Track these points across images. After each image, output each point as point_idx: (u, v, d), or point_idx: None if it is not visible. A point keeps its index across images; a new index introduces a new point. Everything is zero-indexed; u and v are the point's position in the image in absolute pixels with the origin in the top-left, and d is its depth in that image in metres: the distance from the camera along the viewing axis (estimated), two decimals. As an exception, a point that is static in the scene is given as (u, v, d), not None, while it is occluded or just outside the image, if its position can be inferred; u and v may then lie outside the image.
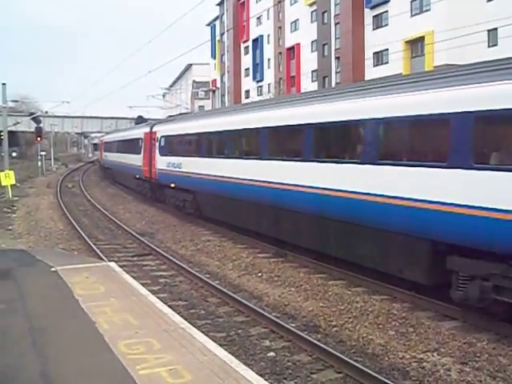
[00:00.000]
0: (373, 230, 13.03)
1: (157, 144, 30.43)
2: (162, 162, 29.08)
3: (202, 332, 9.11)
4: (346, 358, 9.18)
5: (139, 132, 36.71)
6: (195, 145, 25.00)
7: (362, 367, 8.81)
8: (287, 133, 16.96)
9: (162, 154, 29.39)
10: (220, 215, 22.82)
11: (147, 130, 33.71)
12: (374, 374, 8.57)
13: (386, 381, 8.30)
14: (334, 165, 14.40)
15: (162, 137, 29.96)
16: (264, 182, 17.56)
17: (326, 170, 14.64)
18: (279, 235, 17.87)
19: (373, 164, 12.98)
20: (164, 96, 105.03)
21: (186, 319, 9.81)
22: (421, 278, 12.10)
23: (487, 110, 10.13)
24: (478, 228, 10.20)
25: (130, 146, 39.11)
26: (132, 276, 13.23)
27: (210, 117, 24.72)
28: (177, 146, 27.59)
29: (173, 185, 27.11)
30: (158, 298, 11.28)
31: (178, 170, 26.49)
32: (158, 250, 18.85)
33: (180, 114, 39.30)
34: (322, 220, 15.00)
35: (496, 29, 38.65)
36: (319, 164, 14.97)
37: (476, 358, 9.42)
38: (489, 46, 39.62)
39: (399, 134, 12.87)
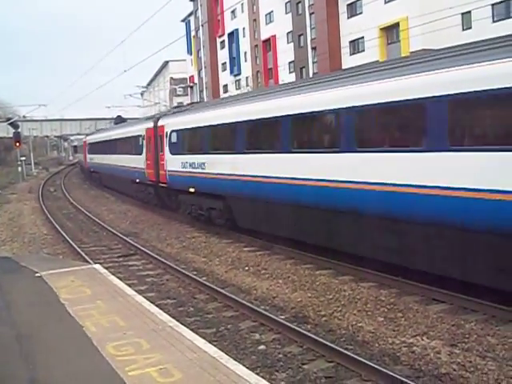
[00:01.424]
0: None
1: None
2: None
3: (191, 329, 9.06)
4: (337, 347, 9.18)
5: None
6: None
7: (352, 355, 8.82)
8: None
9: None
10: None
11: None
12: (365, 361, 8.58)
13: (378, 367, 8.31)
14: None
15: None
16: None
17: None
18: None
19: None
20: (142, 94, 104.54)
21: (174, 317, 9.77)
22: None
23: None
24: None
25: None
26: (118, 277, 13.15)
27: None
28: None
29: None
30: (146, 297, 11.22)
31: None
32: (143, 249, 18.76)
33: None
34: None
35: (469, 12, 38.81)
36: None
37: (465, 340, 9.47)
38: (463, 30, 39.81)
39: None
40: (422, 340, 9.57)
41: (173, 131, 24.26)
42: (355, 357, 8.73)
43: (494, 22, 37.48)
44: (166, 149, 24.83)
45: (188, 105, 30.88)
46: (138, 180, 30.53)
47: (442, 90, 10.75)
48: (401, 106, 11.90)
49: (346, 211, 13.50)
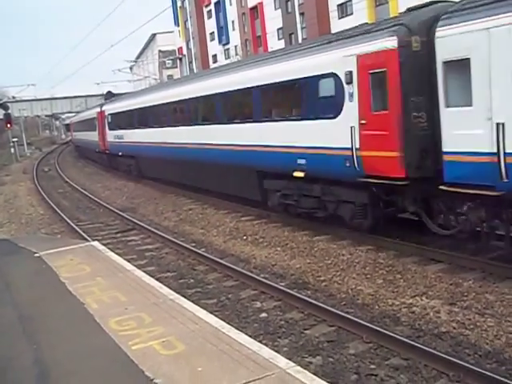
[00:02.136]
0: None
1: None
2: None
3: (192, 301, 9.11)
4: (338, 311, 9.28)
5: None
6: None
7: (353, 318, 8.92)
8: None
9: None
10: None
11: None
12: (366, 323, 8.68)
13: (379, 329, 8.41)
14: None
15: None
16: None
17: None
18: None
19: None
20: (131, 69, 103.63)
21: (175, 290, 9.82)
22: None
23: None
24: None
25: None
26: (117, 253, 13.18)
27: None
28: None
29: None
30: (145, 271, 11.26)
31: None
32: (141, 224, 18.78)
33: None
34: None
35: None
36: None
37: (464, 298, 9.56)
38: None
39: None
40: (422, 300, 9.66)
41: (109, 114, 35.04)
42: (356, 320, 8.83)
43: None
44: (106, 127, 35.68)
45: (121, 94, 42.90)
46: (96, 150, 41.25)
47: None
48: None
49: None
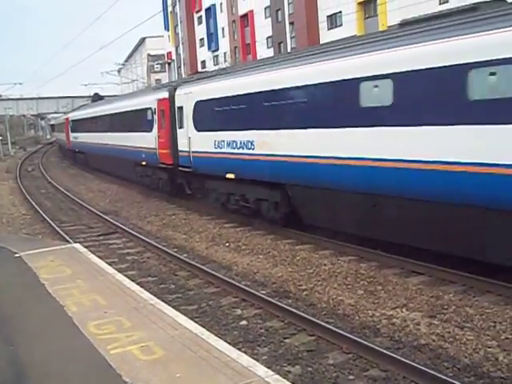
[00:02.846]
0: None
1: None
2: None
3: (173, 307, 9.08)
4: (318, 321, 9.27)
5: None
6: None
7: (333, 328, 8.91)
8: None
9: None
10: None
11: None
12: (345, 333, 8.67)
13: (358, 339, 8.41)
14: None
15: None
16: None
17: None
18: None
19: None
20: (119, 72, 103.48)
21: (155, 295, 9.80)
22: None
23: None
24: None
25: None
26: (98, 256, 13.11)
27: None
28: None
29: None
30: (126, 275, 11.22)
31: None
32: (123, 227, 18.70)
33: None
34: None
35: (447, -15, 38.72)
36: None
37: (444, 311, 9.60)
38: (440, 3, 39.64)
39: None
40: (402, 312, 9.69)
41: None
42: (336, 330, 8.82)
43: (470, -6, 37.44)
44: (70, 130, 31.32)
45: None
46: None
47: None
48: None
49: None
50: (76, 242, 15.02)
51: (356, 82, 12.31)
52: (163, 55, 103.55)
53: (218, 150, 18.39)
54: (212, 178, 19.33)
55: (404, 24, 13.10)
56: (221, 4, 78.24)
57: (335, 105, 13.19)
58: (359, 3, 47.30)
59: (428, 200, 10.96)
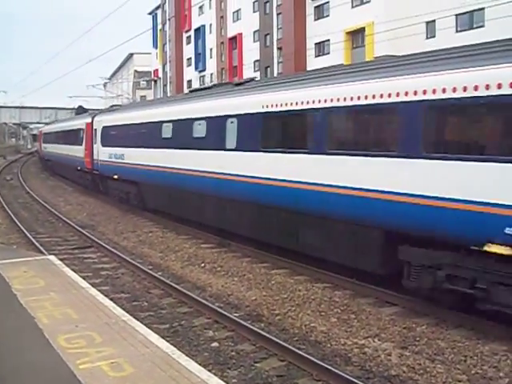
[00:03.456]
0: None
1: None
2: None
3: (145, 324, 9.03)
4: (289, 346, 9.24)
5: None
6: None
7: (304, 354, 8.88)
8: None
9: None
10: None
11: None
12: (316, 360, 8.65)
13: (329, 367, 8.39)
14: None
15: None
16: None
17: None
18: None
19: None
20: (105, 86, 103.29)
21: (128, 311, 9.72)
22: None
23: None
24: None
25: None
26: (73, 269, 13.01)
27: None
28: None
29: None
30: (100, 290, 11.13)
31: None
32: (99, 242, 18.56)
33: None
34: None
35: (434, 21, 39.35)
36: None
37: (415, 342, 9.63)
38: (427, 38, 40.32)
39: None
40: (374, 342, 9.70)
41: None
42: (307, 356, 8.80)
43: (457, 31, 38.05)
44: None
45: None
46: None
47: None
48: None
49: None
50: (51, 254, 14.89)
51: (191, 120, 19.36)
52: (150, 72, 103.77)
53: (110, 159, 27.89)
54: (110, 178, 28.43)
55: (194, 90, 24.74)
56: (210, 25, 78.78)
57: (175, 135, 20.84)
58: (347, 33, 47.85)
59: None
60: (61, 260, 13.68)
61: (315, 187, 12.95)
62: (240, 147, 16.15)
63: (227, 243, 17.73)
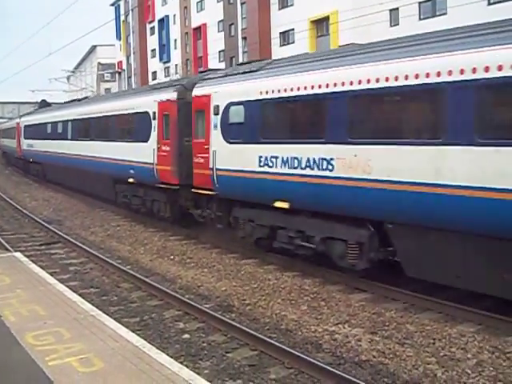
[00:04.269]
0: None
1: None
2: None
3: (114, 318, 8.98)
4: (260, 335, 9.26)
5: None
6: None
7: (276, 343, 8.92)
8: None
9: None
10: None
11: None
12: (288, 349, 8.69)
13: (300, 355, 8.43)
14: None
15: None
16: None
17: None
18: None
19: None
20: (68, 79, 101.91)
21: (97, 306, 9.66)
22: None
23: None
24: None
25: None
26: (40, 266, 12.87)
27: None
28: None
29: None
30: (68, 286, 11.03)
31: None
32: (66, 237, 18.36)
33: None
34: None
35: (397, 8, 39.57)
36: None
37: (385, 327, 9.73)
38: (391, 26, 40.52)
39: None
40: (344, 328, 9.77)
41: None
42: (278, 345, 8.83)
43: (420, 19, 38.29)
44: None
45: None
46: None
47: None
48: None
49: None
50: (17, 251, 14.70)
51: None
52: (114, 64, 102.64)
53: (27, 148, 39.46)
54: (29, 161, 39.98)
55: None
56: (174, 16, 78.15)
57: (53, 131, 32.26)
58: (312, 21, 47.87)
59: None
60: (27, 257, 13.51)
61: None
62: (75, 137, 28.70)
63: (196, 235, 17.63)
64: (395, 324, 9.86)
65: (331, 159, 11.79)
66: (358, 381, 7.50)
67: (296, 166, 12.74)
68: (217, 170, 15.46)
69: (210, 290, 12.38)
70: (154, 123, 19.00)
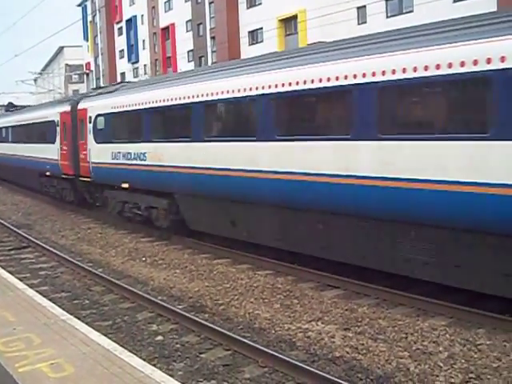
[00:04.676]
0: None
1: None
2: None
3: (86, 323, 8.89)
4: (234, 335, 9.24)
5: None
6: None
7: (249, 342, 8.90)
8: None
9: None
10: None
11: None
12: (261, 347, 8.68)
13: (274, 353, 8.43)
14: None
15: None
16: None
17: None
18: None
19: None
20: (36, 81, 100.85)
21: (68, 311, 9.54)
22: None
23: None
24: None
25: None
26: (9, 271, 12.70)
27: None
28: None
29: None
30: (38, 291, 10.89)
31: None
32: (36, 241, 18.12)
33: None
34: None
35: (365, 6, 39.81)
36: None
37: (358, 323, 9.77)
38: (358, 24, 40.75)
39: None
40: (317, 325, 9.79)
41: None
42: (252, 344, 8.81)
43: (387, 17, 38.58)
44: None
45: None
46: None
47: None
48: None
49: None
50: (-15, 257, 14.46)
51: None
52: (82, 65, 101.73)
53: None
54: None
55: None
56: (142, 16, 77.69)
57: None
58: (280, 20, 47.98)
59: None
60: (-4, 262, 13.30)
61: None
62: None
63: (168, 236, 17.58)
64: (368, 320, 9.91)
65: (145, 153, 17.43)
66: (332, 377, 7.53)
67: (130, 158, 18.35)
68: (91, 163, 21.21)
69: (183, 290, 12.32)
70: (58, 129, 24.79)
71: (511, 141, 8.52)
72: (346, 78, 10.80)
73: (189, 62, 63.65)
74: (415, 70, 9.65)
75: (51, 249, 16.87)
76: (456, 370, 7.79)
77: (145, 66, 76.45)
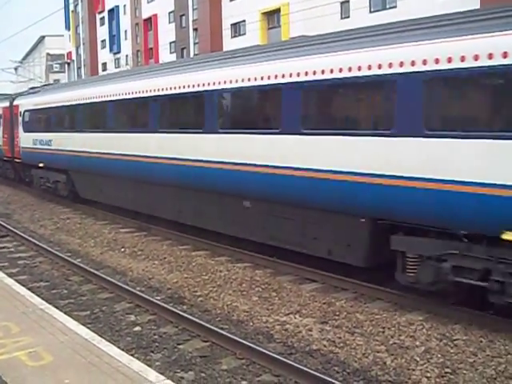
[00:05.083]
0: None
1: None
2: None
3: (64, 312, 8.86)
4: (212, 327, 9.27)
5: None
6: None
7: (227, 334, 8.94)
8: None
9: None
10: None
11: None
12: (239, 339, 8.73)
13: (252, 345, 8.49)
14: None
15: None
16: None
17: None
18: None
19: None
20: (16, 70, 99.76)
21: (47, 300, 9.53)
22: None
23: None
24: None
25: None
26: (-14, 260, 12.60)
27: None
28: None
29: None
30: (17, 280, 10.86)
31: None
32: (15, 230, 17.99)
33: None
34: None
35: (348, 1, 39.87)
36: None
37: (335, 317, 9.86)
38: (342, 18, 40.79)
39: None
40: (295, 318, 9.87)
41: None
42: (230, 336, 8.86)
43: (371, 12, 38.64)
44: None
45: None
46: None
47: None
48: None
49: None
50: (-38, 245, 14.35)
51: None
52: (63, 55, 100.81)
53: None
54: None
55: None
56: (124, 6, 77.10)
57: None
58: (263, 13, 47.91)
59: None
60: (-27, 251, 13.20)
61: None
62: None
63: (147, 227, 17.58)
64: (345, 313, 10.00)
65: (51, 140, 23.60)
66: (309, 370, 7.60)
67: (43, 144, 24.36)
68: (21, 147, 27.30)
69: (162, 282, 12.33)
70: (1, 120, 31.67)
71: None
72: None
73: (171, 53, 63.35)
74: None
75: (30, 238, 16.78)
76: (432, 365, 7.91)
77: (126, 56, 75.95)
